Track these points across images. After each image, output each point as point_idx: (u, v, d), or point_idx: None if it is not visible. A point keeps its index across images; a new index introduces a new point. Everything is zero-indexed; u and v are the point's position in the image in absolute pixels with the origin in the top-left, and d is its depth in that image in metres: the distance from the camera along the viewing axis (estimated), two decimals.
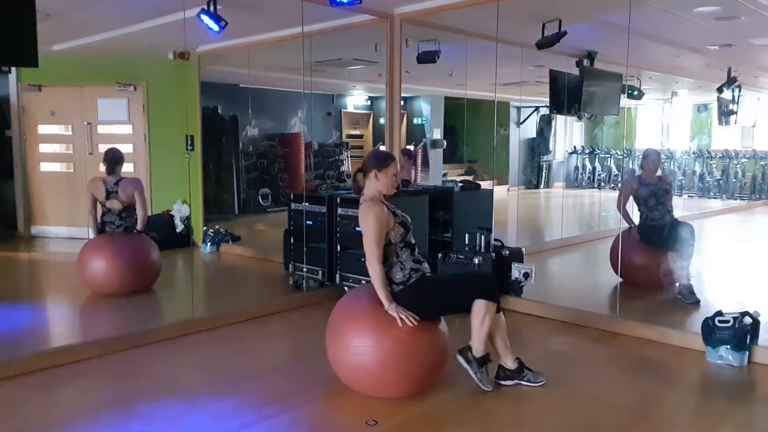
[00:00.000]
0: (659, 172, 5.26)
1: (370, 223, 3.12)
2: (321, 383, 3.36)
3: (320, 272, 5.26)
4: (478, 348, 3.22)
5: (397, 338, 3.03)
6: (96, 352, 3.79)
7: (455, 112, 9.79)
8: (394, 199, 5.09)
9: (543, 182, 10.19)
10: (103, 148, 6.64)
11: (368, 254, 3.14)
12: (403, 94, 5.83)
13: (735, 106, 7.75)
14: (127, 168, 6.96)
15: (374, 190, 3.23)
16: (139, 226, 5.23)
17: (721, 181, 9.08)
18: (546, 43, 5.48)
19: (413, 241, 3.30)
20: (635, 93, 7.71)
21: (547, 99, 7.51)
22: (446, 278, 3.73)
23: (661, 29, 5.98)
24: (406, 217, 3.28)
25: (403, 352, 3.03)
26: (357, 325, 3.13)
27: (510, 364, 3.32)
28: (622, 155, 9.71)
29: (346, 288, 5.06)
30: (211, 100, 8.03)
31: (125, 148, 6.92)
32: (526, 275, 4.70)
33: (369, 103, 10.54)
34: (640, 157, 5.35)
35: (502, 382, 3.33)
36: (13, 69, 5.58)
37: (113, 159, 5.28)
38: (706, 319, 3.81)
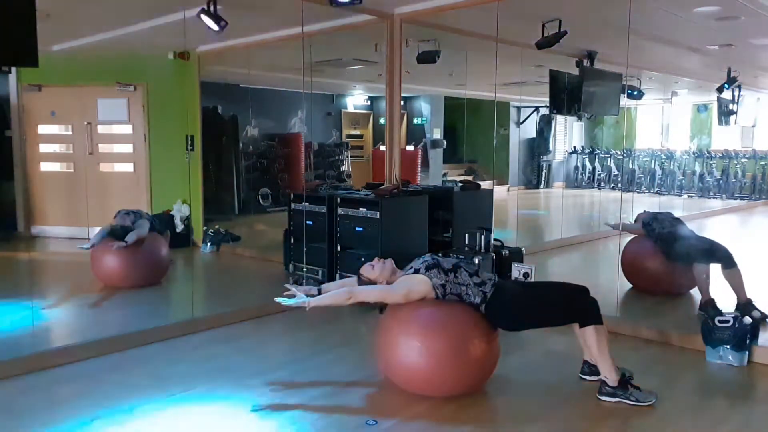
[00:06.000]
0: None
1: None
2: (321, 383, 3.37)
3: (320, 272, 5.25)
4: (611, 375, 3.09)
5: (449, 340, 3.02)
6: (96, 352, 3.79)
7: (455, 112, 9.77)
8: (395, 198, 5.11)
9: (543, 182, 10.18)
10: (103, 148, 6.64)
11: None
12: (403, 94, 5.84)
13: (735, 106, 7.74)
14: (126, 168, 6.99)
15: (384, 278, 3.20)
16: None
17: (721, 181, 9.06)
18: (546, 43, 5.48)
19: (453, 261, 3.21)
20: (635, 93, 7.71)
21: (547, 99, 7.51)
22: (536, 293, 3.34)
23: (661, 29, 5.98)
24: (426, 261, 3.18)
25: (454, 353, 3.03)
26: (408, 327, 3.13)
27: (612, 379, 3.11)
28: (622, 155, 9.71)
29: None
30: (211, 100, 8.02)
31: (125, 148, 6.95)
32: (526, 275, 4.69)
33: (369, 103, 10.52)
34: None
35: (587, 378, 3.32)
36: (13, 69, 5.58)
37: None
38: (706, 318, 3.81)
